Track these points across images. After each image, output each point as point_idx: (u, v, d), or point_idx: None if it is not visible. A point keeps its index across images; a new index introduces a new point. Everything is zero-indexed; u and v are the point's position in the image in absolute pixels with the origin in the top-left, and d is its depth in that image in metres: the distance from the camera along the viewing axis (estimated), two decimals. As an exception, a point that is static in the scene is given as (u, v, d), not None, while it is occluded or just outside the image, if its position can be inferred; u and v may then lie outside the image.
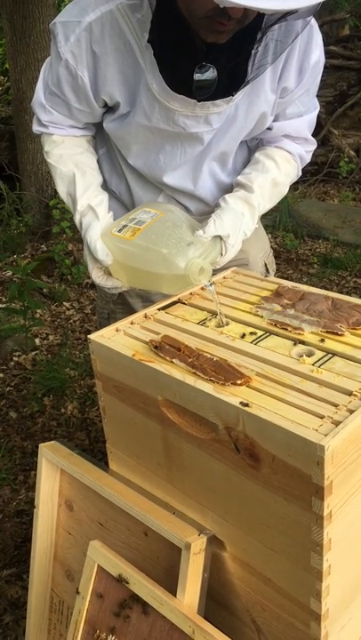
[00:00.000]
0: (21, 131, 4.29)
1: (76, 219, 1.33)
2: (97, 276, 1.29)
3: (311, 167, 5.38)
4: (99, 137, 1.46)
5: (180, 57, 1.16)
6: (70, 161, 1.36)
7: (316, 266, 4.01)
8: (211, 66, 1.15)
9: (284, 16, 1.06)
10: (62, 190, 1.36)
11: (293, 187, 5.09)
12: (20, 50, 4.08)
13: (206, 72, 1.16)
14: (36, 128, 1.39)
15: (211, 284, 1.17)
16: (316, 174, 5.43)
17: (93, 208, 1.30)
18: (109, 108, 1.33)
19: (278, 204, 1.47)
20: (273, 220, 4.46)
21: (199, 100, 1.19)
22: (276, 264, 1.72)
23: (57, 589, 1.36)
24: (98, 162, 1.43)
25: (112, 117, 1.32)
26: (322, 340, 1.05)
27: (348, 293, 3.50)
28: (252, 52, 1.15)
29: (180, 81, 1.18)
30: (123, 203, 1.46)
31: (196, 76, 1.16)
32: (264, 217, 1.46)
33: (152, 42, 1.15)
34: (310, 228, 4.47)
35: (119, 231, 1.23)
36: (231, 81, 1.19)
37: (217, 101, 1.22)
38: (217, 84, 1.17)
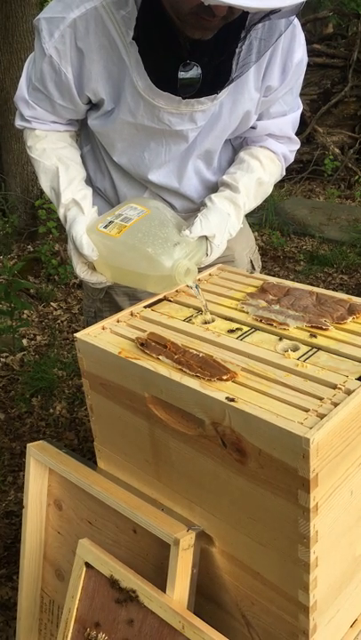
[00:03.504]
0: (6, 131, 4.26)
1: (60, 212, 1.33)
2: (81, 271, 1.29)
3: (296, 165, 5.41)
4: (83, 134, 1.46)
5: (165, 54, 1.16)
6: (53, 155, 1.36)
7: (302, 263, 4.03)
8: (195, 64, 1.15)
9: (268, 15, 1.07)
10: (45, 185, 1.36)
11: (279, 184, 5.12)
12: (4, 50, 4.06)
13: (191, 70, 1.16)
14: (18, 123, 1.39)
15: (196, 286, 1.17)
16: (301, 172, 5.46)
17: (78, 202, 1.30)
18: (93, 105, 1.33)
19: (264, 201, 1.48)
20: (259, 218, 4.48)
21: (184, 98, 1.20)
22: (263, 262, 1.73)
23: (47, 589, 1.36)
24: (82, 159, 1.43)
25: (96, 114, 1.32)
26: (307, 335, 1.06)
27: (334, 290, 3.51)
28: (237, 50, 1.16)
29: (164, 78, 1.18)
30: (108, 200, 1.46)
31: (181, 74, 1.16)
32: (250, 215, 1.47)
33: (137, 39, 1.15)
34: (296, 226, 4.50)
35: (105, 227, 1.22)
36: (216, 79, 1.19)
37: (201, 99, 1.22)
38: (201, 82, 1.17)
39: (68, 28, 1.19)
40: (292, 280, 1.30)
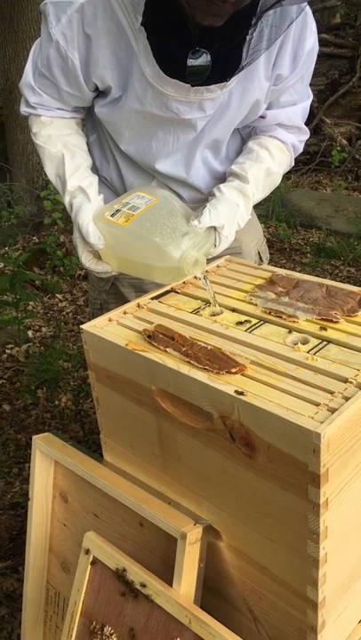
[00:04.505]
0: (11, 121, 4.24)
1: (66, 200, 1.31)
2: (87, 260, 1.27)
3: (303, 156, 5.36)
4: (89, 123, 1.44)
5: (174, 41, 1.14)
6: (59, 142, 1.33)
7: (309, 255, 4.01)
8: (204, 51, 1.13)
9: (279, 1, 1.05)
10: (51, 172, 1.34)
11: (286, 176, 5.07)
12: (9, 39, 4.03)
13: (200, 57, 1.14)
14: (23, 109, 1.36)
15: (204, 277, 1.16)
16: (308, 163, 5.41)
17: (84, 189, 1.28)
18: (100, 93, 1.31)
19: (271, 193, 1.46)
20: (266, 210, 4.44)
21: (193, 86, 1.18)
22: (270, 254, 1.71)
23: (52, 581, 1.36)
24: (88, 148, 1.41)
25: (103, 102, 1.30)
26: (317, 328, 1.05)
27: (341, 282, 3.50)
28: (247, 37, 1.13)
29: (173, 65, 1.16)
30: (114, 189, 1.44)
31: (190, 62, 1.14)
32: (257, 206, 1.45)
33: (145, 25, 1.13)
34: (303, 218, 4.46)
35: (112, 215, 1.21)
36: (225, 67, 1.17)
37: (211, 87, 1.20)
38: (211, 69, 1.15)
39: (76, 12, 1.16)
40: (299, 273, 1.28)
